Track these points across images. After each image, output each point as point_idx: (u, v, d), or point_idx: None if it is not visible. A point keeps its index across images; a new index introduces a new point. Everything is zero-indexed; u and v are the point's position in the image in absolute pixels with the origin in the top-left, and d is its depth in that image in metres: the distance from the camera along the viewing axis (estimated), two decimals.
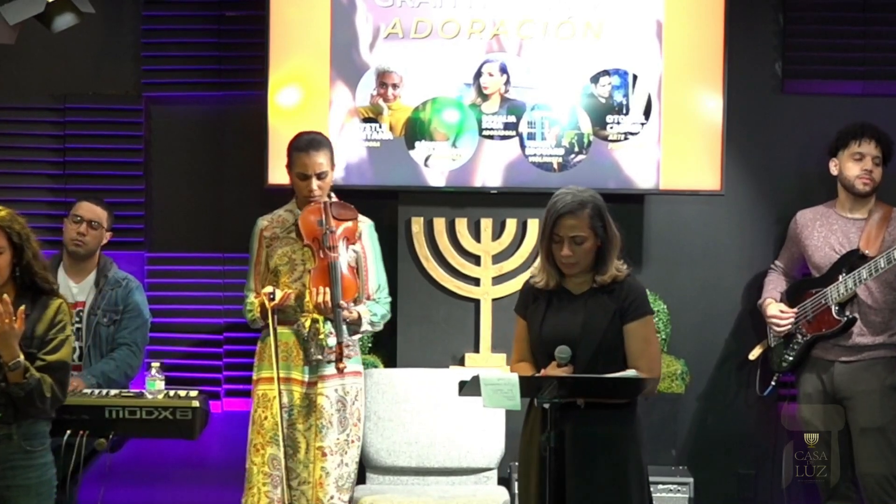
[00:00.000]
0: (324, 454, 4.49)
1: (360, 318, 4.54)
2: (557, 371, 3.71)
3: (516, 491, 3.97)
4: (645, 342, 3.80)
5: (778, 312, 5.02)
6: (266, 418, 4.53)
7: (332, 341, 4.43)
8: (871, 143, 4.90)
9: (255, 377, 4.63)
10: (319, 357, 4.47)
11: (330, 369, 4.48)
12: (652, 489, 4.93)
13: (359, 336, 4.64)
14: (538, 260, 3.92)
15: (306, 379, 4.53)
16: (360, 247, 4.62)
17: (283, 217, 4.67)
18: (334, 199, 4.64)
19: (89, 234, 4.94)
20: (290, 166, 4.61)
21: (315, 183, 4.54)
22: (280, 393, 4.47)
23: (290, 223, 4.63)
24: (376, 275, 4.66)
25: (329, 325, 4.45)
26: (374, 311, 4.60)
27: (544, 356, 3.80)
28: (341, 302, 4.43)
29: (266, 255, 4.64)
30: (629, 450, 3.79)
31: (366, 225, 4.68)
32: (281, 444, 4.45)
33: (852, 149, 4.91)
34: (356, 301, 4.57)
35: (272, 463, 4.50)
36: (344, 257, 4.52)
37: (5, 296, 3.78)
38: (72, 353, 4.07)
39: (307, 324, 4.47)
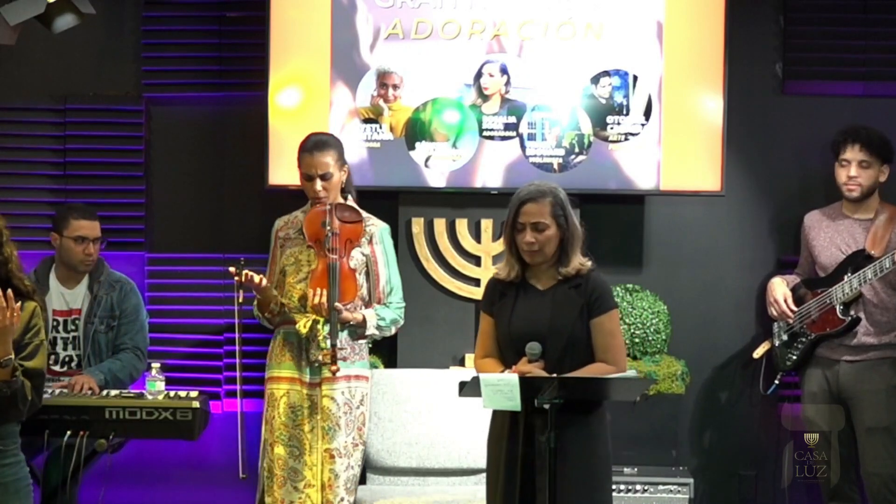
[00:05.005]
0: (332, 457, 4.48)
1: (364, 321, 4.52)
2: (528, 367, 3.76)
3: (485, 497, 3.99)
4: (611, 336, 3.87)
5: (783, 299, 5.01)
6: (274, 417, 4.54)
7: (328, 343, 4.42)
8: (854, 147, 4.92)
9: (266, 376, 4.63)
10: (320, 358, 4.47)
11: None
12: (652, 490, 5.00)
13: (366, 340, 4.62)
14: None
15: (307, 380, 4.53)
16: (369, 250, 4.59)
17: (297, 218, 4.66)
18: (351, 201, 4.62)
19: (95, 250, 4.90)
20: (299, 167, 4.61)
21: (319, 184, 4.52)
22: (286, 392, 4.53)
23: (301, 224, 4.62)
24: (388, 279, 4.62)
25: (328, 327, 4.44)
26: (381, 315, 4.56)
27: (513, 352, 3.85)
28: (337, 304, 4.42)
29: (280, 255, 4.64)
30: (602, 446, 3.84)
31: (378, 228, 4.64)
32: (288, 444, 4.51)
33: (840, 155, 4.96)
34: (366, 304, 4.57)
35: (279, 463, 4.50)
36: (346, 260, 4.51)
37: (9, 291, 3.75)
38: (46, 360, 4.02)
39: (307, 324, 4.46)
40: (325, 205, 4.50)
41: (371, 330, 4.54)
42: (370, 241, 4.59)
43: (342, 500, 4.47)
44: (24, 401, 3.82)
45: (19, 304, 3.78)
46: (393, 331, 4.67)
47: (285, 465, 4.50)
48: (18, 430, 3.97)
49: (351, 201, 4.63)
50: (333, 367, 4.38)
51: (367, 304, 4.59)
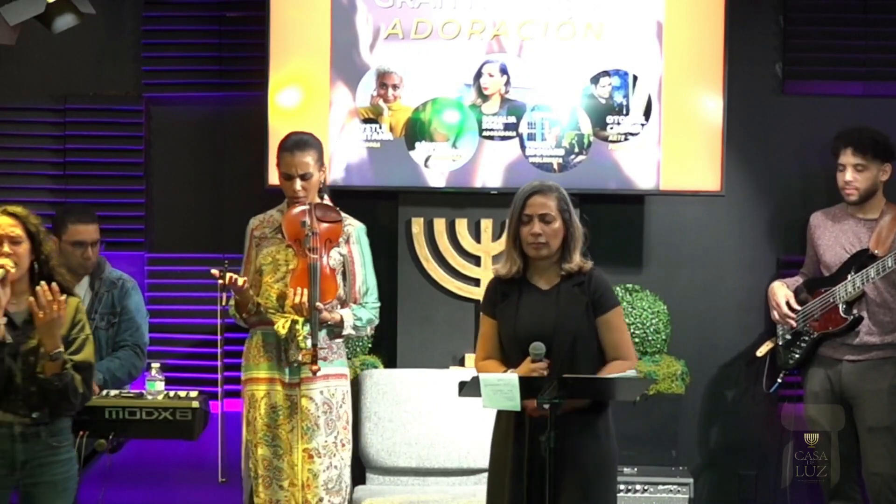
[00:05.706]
0: (310, 456, 4.47)
1: (342, 321, 4.51)
2: (532, 367, 3.75)
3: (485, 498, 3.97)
4: (620, 332, 3.89)
5: (784, 301, 5.02)
6: (255, 418, 4.53)
7: (308, 343, 4.42)
8: (847, 151, 4.92)
9: (243, 377, 4.62)
10: (299, 358, 4.45)
11: None
12: (652, 490, 5.00)
13: (342, 339, 4.62)
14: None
15: (287, 380, 4.52)
16: (346, 250, 4.59)
17: (273, 217, 4.65)
18: (326, 200, 4.62)
19: (94, 253, 4.90)
20: (278, 166, 4.60)
21: (299, 184, 4.51)
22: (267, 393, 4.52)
23: (278, 223, 4.61)
24: (364, 279, 4.61)
25: (308, 327, 4.43)
26: (358, 315, 4.55)
27: (518, 352, 3.83)
28: (318, 304, 4.41)
29: (255, 254, 4.63)
30: (607, 442, 3.84)
31: (355, 228, 4.63)
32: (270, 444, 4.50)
33: (837, 160, 4.96)
34: (343, 304, 4.56)
35: (263, 463, 4.49)
36: (326, 259, 4.50)
37: (53, 284, 3.79)
38: (94, 353, 4.04)
39: (286, 325, 4.45)
40: (305, 204, 4.50)
41: (348, 329, 4.53)
42: (347, 241, 4.58)
43: (321, 500, 4.46)
44: (76, 393, 3.87)
45: (64, 297, 3.82)
46: (369, 331, 4.67)
47: (270, 465, 4.49)
48: (70, 426, 4.00)
49: (327, 200, 4.62)
50: (314, 367, 4.37)
51: (343, 304, 4.58)
